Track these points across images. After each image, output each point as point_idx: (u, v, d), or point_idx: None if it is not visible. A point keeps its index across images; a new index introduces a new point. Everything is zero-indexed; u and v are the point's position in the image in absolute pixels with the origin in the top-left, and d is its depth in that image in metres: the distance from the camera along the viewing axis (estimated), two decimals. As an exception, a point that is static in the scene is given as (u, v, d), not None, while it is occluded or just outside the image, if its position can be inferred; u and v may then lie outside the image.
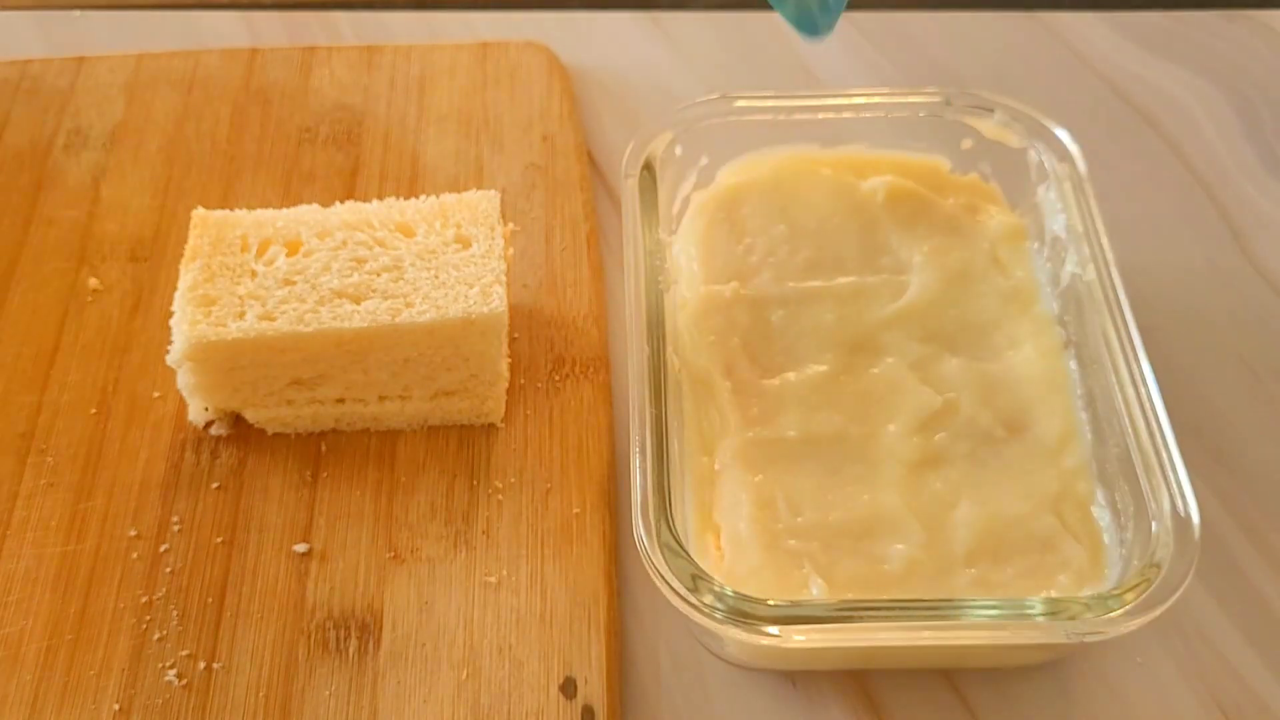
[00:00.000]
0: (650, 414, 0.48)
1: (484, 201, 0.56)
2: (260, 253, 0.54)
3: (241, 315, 0.52)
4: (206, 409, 0.54)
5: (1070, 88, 0.72)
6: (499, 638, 0.49)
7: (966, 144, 0.59)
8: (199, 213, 0.55)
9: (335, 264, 0.53)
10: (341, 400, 0.54)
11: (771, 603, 0.43)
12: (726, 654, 0.50)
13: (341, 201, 0.57)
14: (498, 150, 0.66)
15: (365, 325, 0.51)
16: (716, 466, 0.50)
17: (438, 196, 0.57)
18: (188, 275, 0.53)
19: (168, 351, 0.52)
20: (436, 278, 0.53)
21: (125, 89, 0.69)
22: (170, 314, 0.52)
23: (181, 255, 0.54)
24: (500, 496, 0.53)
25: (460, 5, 0.76)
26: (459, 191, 0.57)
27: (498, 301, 0.52)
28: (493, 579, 0.51)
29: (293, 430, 0.55)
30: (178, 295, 0.52)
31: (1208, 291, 0.62)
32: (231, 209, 0.56)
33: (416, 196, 0.57)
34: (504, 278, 0.53)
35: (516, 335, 0.58)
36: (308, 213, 0.56)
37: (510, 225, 0.58)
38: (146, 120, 0.67)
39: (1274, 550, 0.53)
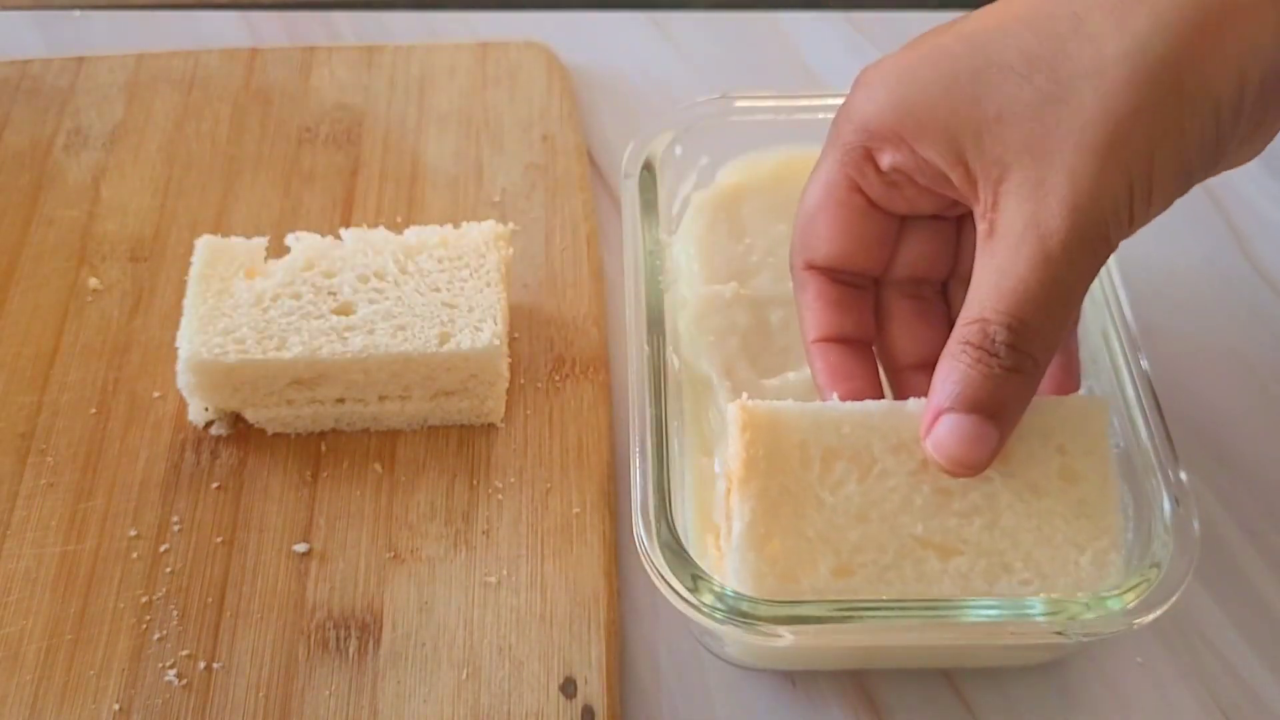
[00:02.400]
0: (650, 414, 0.48)
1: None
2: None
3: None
4: (206, 409, 0.54)
5: (1070, 88, 0.72)
6: (499, 638, 0.49)
7: (967, 144, 0.59)
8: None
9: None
10: (341, 400, 0.54)
11: (771, 603, 0.43)
12: (726, 654, 0.50)
13: (343, 205, 0.57)
14: (498, 150, 0.66)
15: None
16: (716, 467, 0.50)
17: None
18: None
19: (169, 352, 0.52)
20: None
21: (125, 89, 0.69)
22: (170, 314, 0.52)
23: (182, 256, 0.54)
24: (500, 496, 0.53)
25: (460, 5, 0.76)
26: (458, 192, 0.57)
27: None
28: (493, 579, 0.51)
29: (293, 430, 0.55)
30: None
31: (1208, 291, 0.62)
32: (231, 209, 0.56)
33: (416, 198, 0.57)
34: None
35: (516, 335, 0.58)
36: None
37: (510, 225, 0.58)
38: (146, 120, 0.67)
39: (1274, 550, 0.53)
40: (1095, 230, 0.38)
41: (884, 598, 0.43)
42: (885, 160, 0.42)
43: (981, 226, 0.40)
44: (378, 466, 0.54)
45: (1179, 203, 0.65)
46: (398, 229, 0.57)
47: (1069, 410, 0.45)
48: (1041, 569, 0.43)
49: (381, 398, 0.54)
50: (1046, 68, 0.37)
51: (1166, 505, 0.45)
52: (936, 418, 0.41)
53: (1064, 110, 0.37)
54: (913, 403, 0.44)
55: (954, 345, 0.40)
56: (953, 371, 0.40)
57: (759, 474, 0.44)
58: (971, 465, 0.41)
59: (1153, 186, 0.38)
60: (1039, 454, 0.44)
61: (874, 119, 0.41)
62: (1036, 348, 0.39)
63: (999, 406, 0.40)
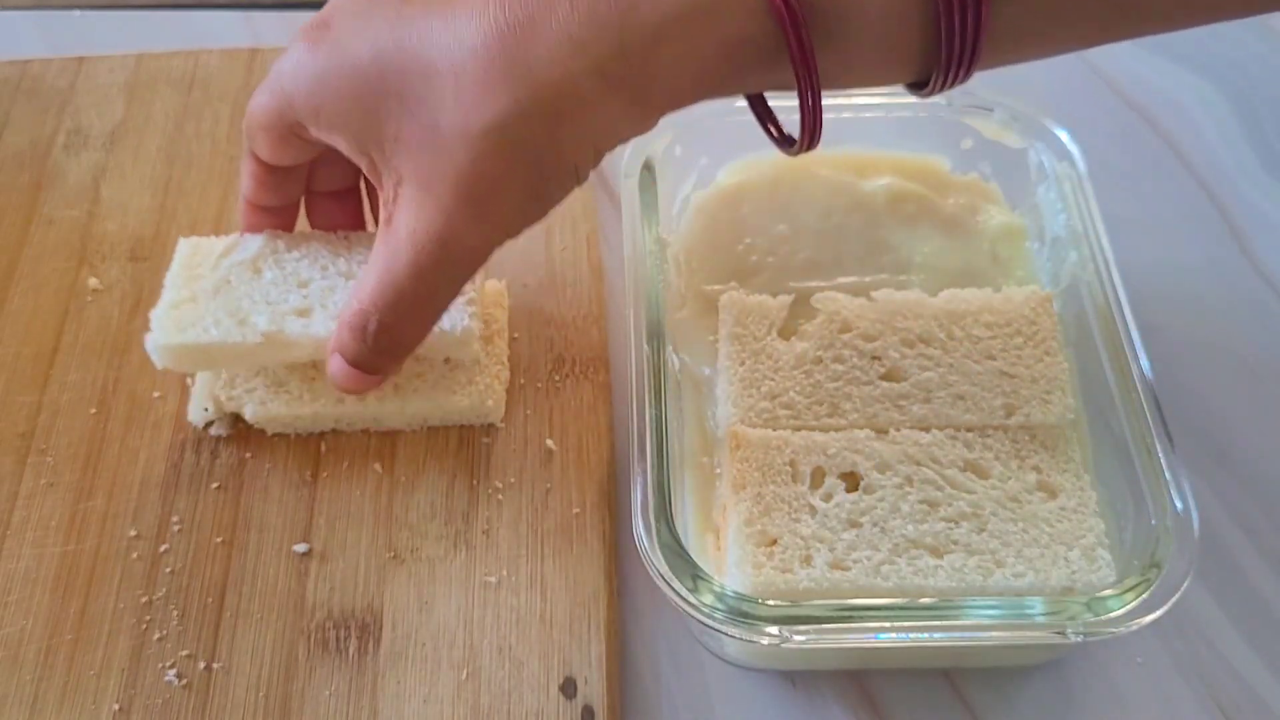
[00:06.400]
0: (650, 414, 0.48)
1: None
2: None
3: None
4: (207, 409, 0.54)
5: (1070, 87, 0.72)
6: (499, 638, 0.49)
7: (966, 144, 0.59)
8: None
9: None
10: (342, 400, 0.54)
11: (771, 603, 0.43)
12: (726, 654, 0.50)
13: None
14: (498, 150, 0.66)
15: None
16: (716, 468, 0.50)
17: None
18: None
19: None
20: None
21: (125, 89, 0.69)
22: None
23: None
24: (500, 496, 0.53)
25: (460, 5, 0.76)
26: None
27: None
28: (493, 579, 0.51)
29: (293, 430, 0.55)
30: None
31: (1208, 291, 0.62)
32: (231, 209, 0.56)
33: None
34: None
35: (516, 335, 0.58)
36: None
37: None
38: (146, 120, 0.67)
39: (1274, 550, 0.53)
40: (460, 258, 0.45)
41: (881, 589, 0.45)
42: (310, 133, 0.47)
43: (383, 213, 0.45)
44: (378, 466, 0.54)
45: (1179, 202, 0.66)
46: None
47: (1043, 436, 0.49)
48: (1034, 564, 0.46)
49: (379, 397, 0.54)
50: (429, 118, 0.42)
51: (1166, 505, 0.45)
52: (332, 353, 0.49)
53: (443, 160, 0.42)
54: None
55: (343, 317, 0.47)
56: (340, 334, 0.48)
57: (753, 483, 0.47)
58: (357, 392, 0.51)
59: (517, 228, 0.45)
60: (1016, 473, 0.48)
61: (298, 102, 0.46)
62: (403, 335, 0.47)
63: (375, 368, 0.48)
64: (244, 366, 0.54)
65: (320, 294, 0.53)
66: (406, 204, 0.44)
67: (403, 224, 0.44)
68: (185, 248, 0.55)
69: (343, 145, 0.45)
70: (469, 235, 0.44)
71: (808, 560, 0.45)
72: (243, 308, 0.52)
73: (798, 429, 0.49)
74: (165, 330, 0.52)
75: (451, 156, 0.42)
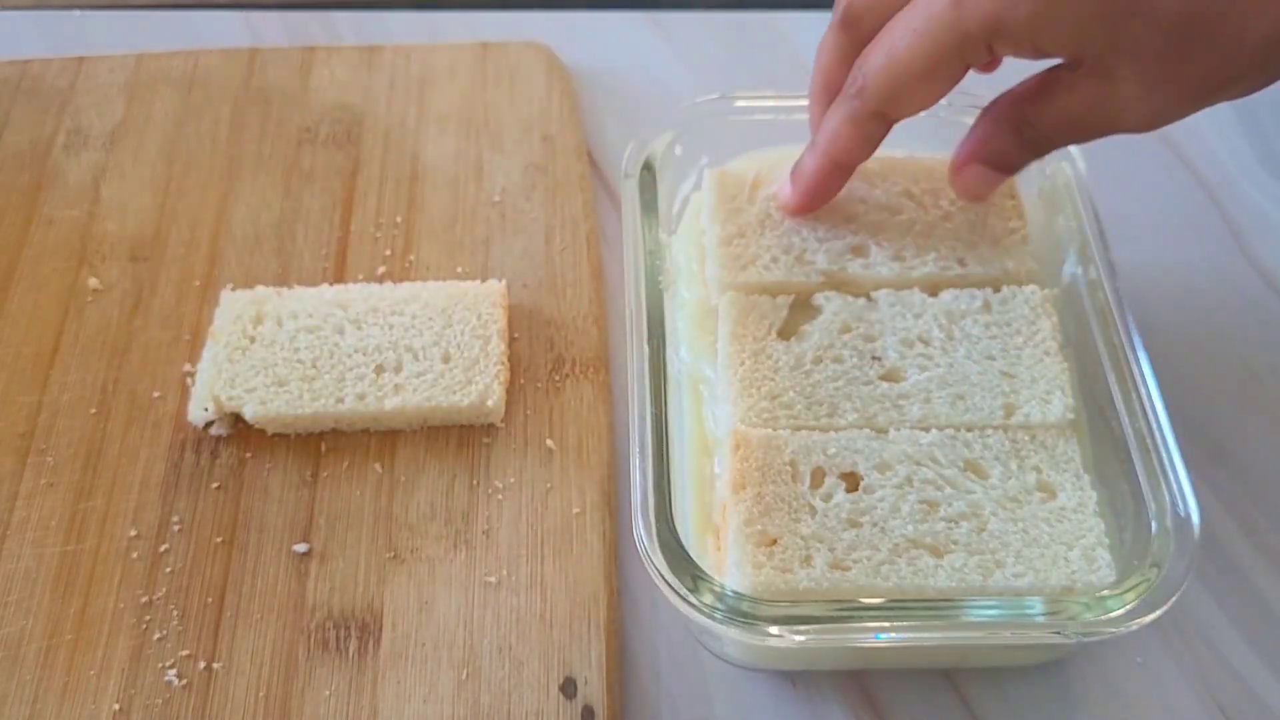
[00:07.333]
0: (650, 414, 0.48)
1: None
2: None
3: None
4: (207, 409, 0.54)
5: (1070, 88, 0.72)
6: (499, 638, 0.49)
7: (967, 144, 0.59)
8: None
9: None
10: (341, 400, 0.54)
11: (771, 603, 0.43)
12: (726, 654, 0.50)
13: (343, 205, 0.57)
14: (498, 150, 0.66)
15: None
16: (716, 467, 0.50)
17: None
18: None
19: (169, 352, 0.52)
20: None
21: (125, 89, 0.69)
22: (170, 314, 0.52)
23: (181, 255, 0.54)
24: (500, 496, 0.53)
25: (460, 5, 0.76)
26: (458, 192, 0.57)
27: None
28: (493, 579, 0.51)
29: (293, 430, 0.55)
30: None
31: (1208, 291, 0.62)
32: (231, 209, 0.56)
33: (416, 198, 0.57)
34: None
35: (517, 335, 0.58)
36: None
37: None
38: (146, 120, 0.67)
39: (1274, 550, 0.53)
40: (1136, 129, 0.47)
41: (881, 590, 0.45)
42: (1002, 50, 0.47)
43: (1071, 74, 0.47)
44: (378, 466, 0.54)
45: (1179, 202, 0.66)
46: (400, 230, 0.57)
47: (1043, 436, 0.49)
48: (1034, 564, 0.45)
49: (381, 395, 0.54)
50: (1187, 26, 0.44)
51: (1166, 505, 0.45)
52: (968, 163, 0.52)
53: (1185, 68, 0.45)
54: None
55: (1006, 118, 0.50)
56: (996, 138, 0.51)
57: (753, 483, 0.47)
58: (981, 198, 0.55)
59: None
60: (1016, 473, 0.48)
61: (1010, 22, 0.45)
62: (1061, 145, 0.50)
63: (1016, 169, 0.52)
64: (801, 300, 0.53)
65: (870, 229, 0.53)
66: (1108, 87, 0.46)
67: (1095, 92, 0.46)
68: (711, 179, 0.55)
69: (1058, 50, 0.46)
70: (1165, 118, 0.47)
71: (808, 560, 0.45)
72: (794, 244, 0.53)
73: (797, 429, 0.49)
74: (725, 268, 0.52)
75: (1201, 63, 0.45)
